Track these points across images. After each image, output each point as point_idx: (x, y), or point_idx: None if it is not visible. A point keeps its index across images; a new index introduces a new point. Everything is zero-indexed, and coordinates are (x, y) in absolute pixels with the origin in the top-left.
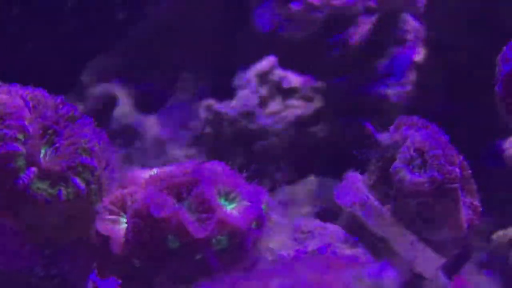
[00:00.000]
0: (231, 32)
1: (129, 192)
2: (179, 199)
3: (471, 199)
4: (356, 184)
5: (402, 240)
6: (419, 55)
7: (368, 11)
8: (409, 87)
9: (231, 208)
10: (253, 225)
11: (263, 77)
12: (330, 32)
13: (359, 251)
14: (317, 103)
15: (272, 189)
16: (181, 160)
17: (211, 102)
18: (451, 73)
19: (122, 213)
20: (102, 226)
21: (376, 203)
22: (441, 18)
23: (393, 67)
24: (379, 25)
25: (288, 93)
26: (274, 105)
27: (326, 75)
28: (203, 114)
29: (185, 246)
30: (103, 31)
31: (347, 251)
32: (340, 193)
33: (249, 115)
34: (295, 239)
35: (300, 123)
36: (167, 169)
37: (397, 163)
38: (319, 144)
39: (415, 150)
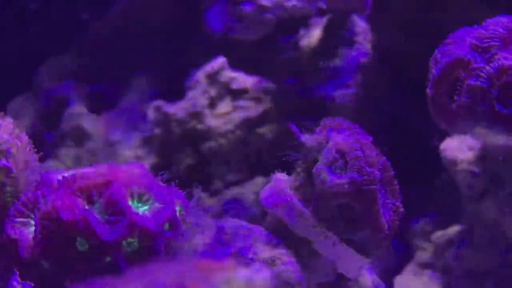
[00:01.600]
0: (185, 33)
1: (41, 194)
2: (91, 201)
3: (393, 200)
4: (281, 186)
5: (324, 241)
6: (366, 57)
7: (320, 13)
8: (355, 89)
9: (143, 210)
10: (166, 226)
11: (212, 78)
12: (282, 33)
13: (281, 252)
14: (266, 104)
15: (221, 190)
16: (130, 161)
17: (160, 103)
18: (397, 74)
19: (32, 215)
20: (11, 228)
21: (298, 204)
22: (386, 20)
23: (340, 69)
24: (330, 27)
25: (238, 94)
26: (223, 106)
27: (277, 76)
28: (152, 115)
29: (94, 249)
30: (66, 32)
31: (268, 252)
32: (264, 194)
33: (197, 116)
34: (219, 241)
35: (248, 124)
36: (81, 170)
37: (319, 164)
38: (267, 145)
39: (337, 151)
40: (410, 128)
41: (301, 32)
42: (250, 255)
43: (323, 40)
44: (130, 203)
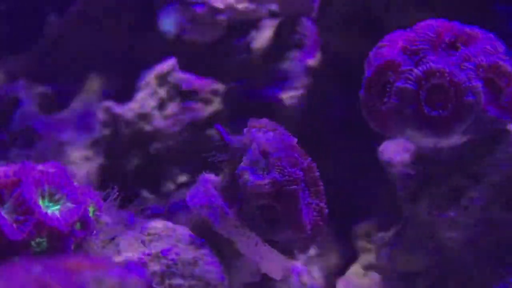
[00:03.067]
0: (139, 34)
1: None
2: (1, 200)
3: (317, 201)
4: (207, 186)
5: (247, 242)
6: (315, 59)
7: (272, 15)
8: (302, 91)
9: (54, 210)
10: (77, 226)
11: (162, 79)
12: (234, 35)
13: (204, 252)
14: (216, 106)
15: (171, 192)
16: (79, 162)
17: (109, 104)
18: (345, 76)
19: None
20: None
21: (222, 204)
22: (332, 22)
23: (289, 71)
24: (280, 30)
25: (187, 95)
26: (172, 108)
27: (228, 78)
28: (101, 116)
29: (2, 249)
30: (30, 33)
31: (191, 253)
32: (191, 195)
33: (146, 117)
34: (142, 241)
35: (197, 125)
36: None
37: (242, 165)
38: (215, 146)
39: (260, 152)
40: (359, 128)
41: (253, 34)
42: (172, 256)
43: (274, 42)
44: (40, 202)
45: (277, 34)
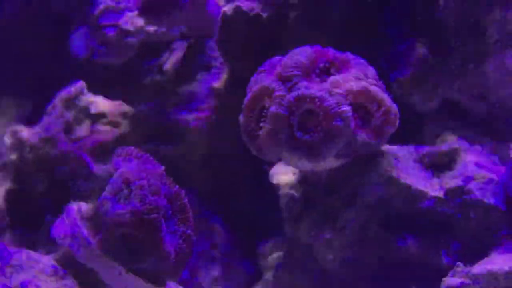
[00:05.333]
0: (53, 56)
1: None
2: None
3: (184, 228)
4: (71, 216)
5: (110, 271)
6: (219, 81)
7: (182, 37)
8: (208, 113)
9: None
10: None
11: (70, 102)
12: (145, 57)
13: (66, 283)
14: (123, 129)
15: None
16: None
17: (17, 127)
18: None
19: None
20: None
21: (84, 234)
22: (232, 45)
23: (197, 93)
24: (190, 52)
25: (96, 118)
26: (80, 131)
27: (140, 99)
28: (8, 140)
29: None
30: None
31: (53, 284)
32: (55, 225)
33: (51, 141)
34: (3, 273)
35: (103, 148)
36: None
37: (104, 194)
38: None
39: (123, 181)
40: None
41: (164, 56)
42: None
43: (183, 64)
44: None
45: (187, 56)
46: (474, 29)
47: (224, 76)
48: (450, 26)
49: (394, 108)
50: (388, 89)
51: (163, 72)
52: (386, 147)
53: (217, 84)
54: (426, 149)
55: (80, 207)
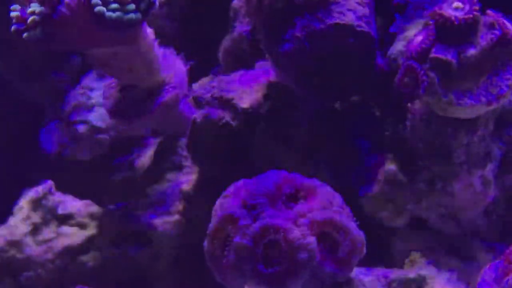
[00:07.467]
0: (23, 151)
1: None
2: None
3: None
4: None
5: None
6: (189, 183)
7: (154, 134)
8: (176, 216)
9: None
10: None
11: (37, 203)
12: (117, 154)
13: None
14: (91, 231)
15: None
16: None
17: None
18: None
19: None
20: None
21: None
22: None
23: (167, 195)
24: (161, 150)
25: (63, 219)
26: (47, 233)
27: (109, 199)
28: None
29: None
30: None
31: None
32: None
33: (17, 244)
34: None
35: (70, 252)
36: None
37: None
38: (88, 274)
39: None
40: None
41: (136, 153)
42: None
43: (154, 163)
44: None
45: (158, 154)
46: (441, 150)
47: (194, 177)
48: (417, 147)
49: (360, 237)
50: (357, 203)
51: (134, 169)
52: (353, 272)
53: (187, 187)
54: (394, 275)
55: None
